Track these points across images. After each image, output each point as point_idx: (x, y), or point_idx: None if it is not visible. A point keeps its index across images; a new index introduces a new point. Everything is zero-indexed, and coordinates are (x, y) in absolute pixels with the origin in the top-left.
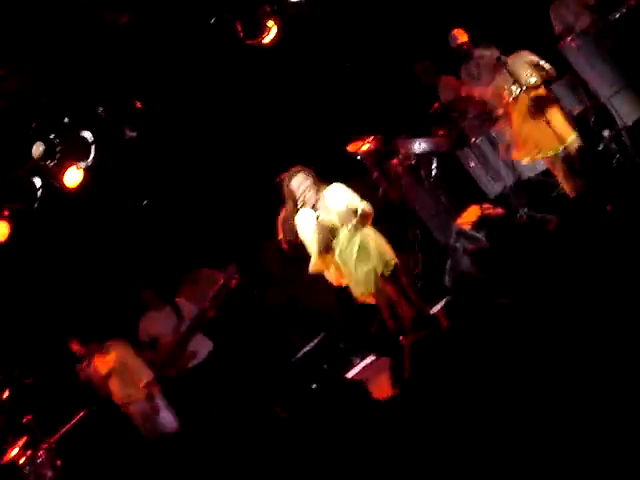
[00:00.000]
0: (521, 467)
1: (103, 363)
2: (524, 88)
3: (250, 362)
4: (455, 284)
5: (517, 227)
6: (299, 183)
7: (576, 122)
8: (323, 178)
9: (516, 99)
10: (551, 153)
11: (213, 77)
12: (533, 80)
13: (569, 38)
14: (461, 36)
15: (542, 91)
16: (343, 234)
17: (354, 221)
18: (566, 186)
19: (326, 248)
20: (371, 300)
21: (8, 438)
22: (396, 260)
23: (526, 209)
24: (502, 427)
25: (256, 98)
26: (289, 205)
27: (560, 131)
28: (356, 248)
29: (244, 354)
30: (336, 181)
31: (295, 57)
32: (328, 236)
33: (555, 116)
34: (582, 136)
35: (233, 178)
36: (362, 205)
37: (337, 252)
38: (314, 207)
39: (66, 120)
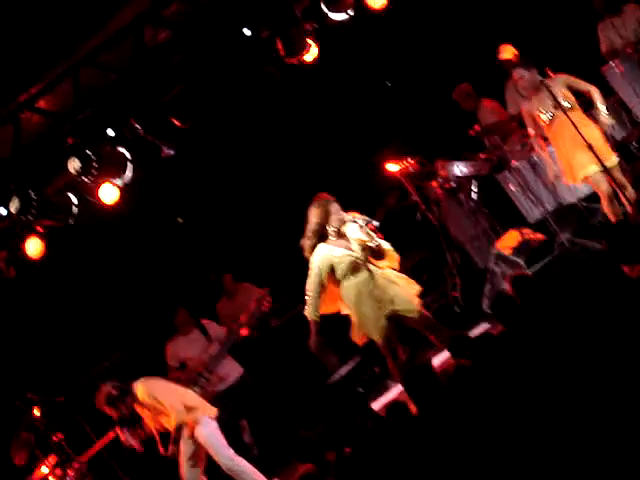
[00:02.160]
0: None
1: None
2: (560, 110)
3: (283, 385)
4: (493, 309)
5: (558, 253)
6: (337, 207)
7: (619, 147)
8: (362, 199)
9: (552, 121)
10: (591, 171)
11: (251, 95)
12: (568, 103)
13: (613, 63)
14: (505, 52)
15: (578, 113)
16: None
17: (362, 256)
18: (607, 210)
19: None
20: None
21: (38, 456)
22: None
23: (567, 235)
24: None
25: (295, 117)
26: (312, 233)
27: (599, 152)
28: (362, 288)
29: (276, 377)
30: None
31: (335, 76)
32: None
33: (593, 138)
34: (625, 161)
35: (270, 197)
36: (375, 243)
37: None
38: (341, 237)
39: (105, 135)
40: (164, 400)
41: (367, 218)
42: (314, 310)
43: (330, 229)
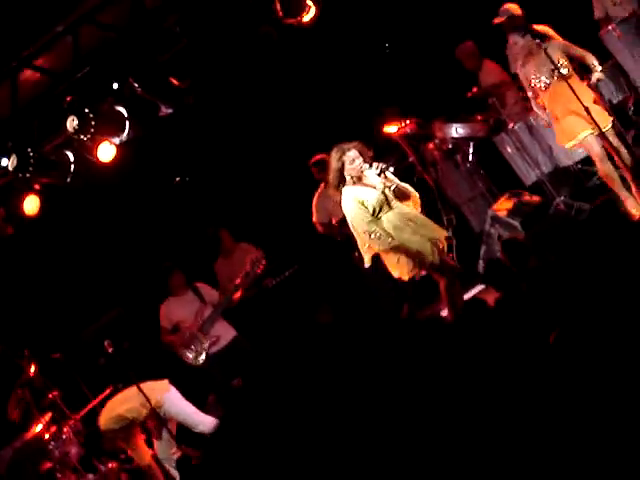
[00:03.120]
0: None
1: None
2: (556, 76)
3: (276, 347)
4: (488, 271)
5: (553, 215)
6: (352, 157)
7: (615, 111)
8: None
9: (547, 87)
10: (583, 135)
11: (251, 55)
12: (565, 70)
13: (610, 27)
14: (514, 11)
15: (574, 79)
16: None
17: (390, 194)
18: (601, 173)
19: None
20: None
21: (34, 413)
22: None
23: (563, 197)
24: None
25: (293, 78)
26: (332, 180)
27: (595, 116)
28: (396, 220)
29: (270, 338)
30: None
31: (333, 37)
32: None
33: (589, 102)
34: (621, 125)
35: (268, 158)
36: (395, 186)
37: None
38: (360, 181)
39: (102, 94)
40: (123, 410)
41: (383, 165)
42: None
43: (347, 177)
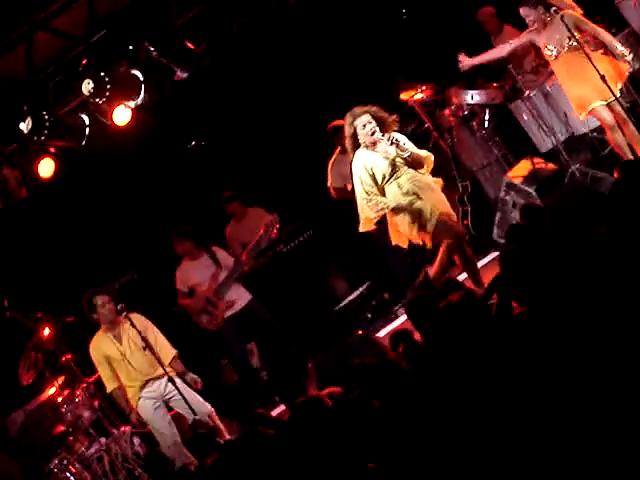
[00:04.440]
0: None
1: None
2: (567, 46)
3: (291, 311)
4: (504, 237)
5: (568, 183)
6: (364, 122)
7: (632, 81)
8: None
9: (557, 57)
10: (596, 104)
11: (267, 21)
12: (573, 42)
13: None
14: None
15: (587, 48)
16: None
17: (401, 162)
18: (611, 142)
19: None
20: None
21: (47, 377)
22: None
23: (578, 165)
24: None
25: (310, 42)
26: (348, 145)
27: (603, 87)
28: (407, 186)
29: (285, 302)
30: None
31: (351, 2)
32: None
33: (603, 69)
34: (638, 95)
35: (284, 123)
36: (419, 152)
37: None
38: (374, 146)
39: (118, 57)
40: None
41: (394, 137)
42: (379, 206)
43: (361, 141)
